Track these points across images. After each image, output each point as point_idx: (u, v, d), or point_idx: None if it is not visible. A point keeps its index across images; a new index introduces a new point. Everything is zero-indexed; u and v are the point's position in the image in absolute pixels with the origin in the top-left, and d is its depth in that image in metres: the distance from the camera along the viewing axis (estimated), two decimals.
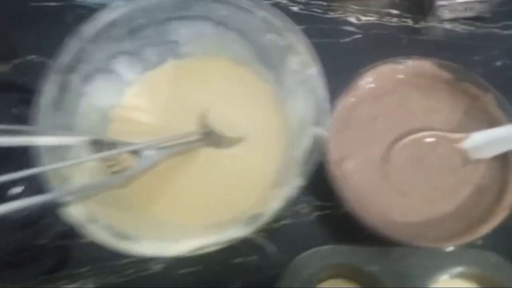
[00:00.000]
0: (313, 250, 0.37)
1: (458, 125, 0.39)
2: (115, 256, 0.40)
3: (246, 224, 0.29)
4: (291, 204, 0.41)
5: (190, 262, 0.40)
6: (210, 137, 0.37)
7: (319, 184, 0.42)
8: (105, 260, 0.40)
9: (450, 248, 0.35)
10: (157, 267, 0.39)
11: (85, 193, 0.29)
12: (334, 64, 0.35)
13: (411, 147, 0.38)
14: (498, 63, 0.46)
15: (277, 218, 0.41)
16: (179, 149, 0.36)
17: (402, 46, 0.47)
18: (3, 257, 0.37)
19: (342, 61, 0.43)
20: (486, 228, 0.34)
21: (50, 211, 0.30)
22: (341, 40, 0.48)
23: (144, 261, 0.40)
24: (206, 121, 0.37)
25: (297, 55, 0.34)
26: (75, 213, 0.29)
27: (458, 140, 0.38)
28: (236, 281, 0.39)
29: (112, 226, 0.29)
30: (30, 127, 0.31)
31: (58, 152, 0.31)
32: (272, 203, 0.30)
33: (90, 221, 0.29)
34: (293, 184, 0.30)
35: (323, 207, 0.42)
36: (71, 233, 0.40)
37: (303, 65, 0.34)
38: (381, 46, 0.47)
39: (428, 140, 0.38)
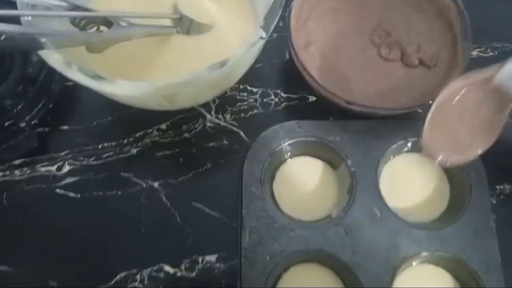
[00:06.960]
0: (278, 125, 0.40)
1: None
2: (92, 141, 0.42)
3: (212, 68, 0.31)
4: (261, 95, 0.45)
5: (167, 146, 0.42)
6: (181, 23, 0.40)
7: (288, 79, 0.45)
8: (83, 145, 0.42)
9: (402, 111, 0.38)
10: (134, 151, 0.42)
11: (59, 41, 0.31)
12: None
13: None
14: None
15: (247, 109, 0.44)
16: (152, 31, 0.38)
17: None
18: None
19: None
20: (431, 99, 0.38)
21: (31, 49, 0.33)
22: None
23: (121, 145, 0.42)
24: (178, 7, 0.40)
25: None
26: (52, 57, 0.31)
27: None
28: (208, 162, 0.41)
29: (87, 69, 0.31)
30: None
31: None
32: (237, 51, 0.32)
33: (66, 65, 0.31)
34: (256, 33, 0.32)
35: (291, 99, 0.44)
36: (49, 121, 0.43)
37: None
38: None
39: None
